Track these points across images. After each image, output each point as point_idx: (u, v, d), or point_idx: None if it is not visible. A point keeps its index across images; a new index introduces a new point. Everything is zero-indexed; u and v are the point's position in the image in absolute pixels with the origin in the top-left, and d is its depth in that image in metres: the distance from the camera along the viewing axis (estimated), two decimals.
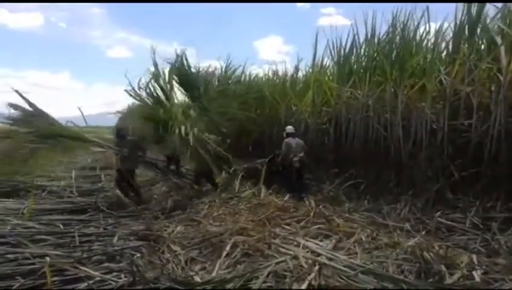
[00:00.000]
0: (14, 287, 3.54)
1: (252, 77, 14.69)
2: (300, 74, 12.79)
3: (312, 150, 10.07)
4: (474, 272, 3.67)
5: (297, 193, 7.47)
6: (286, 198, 7.12)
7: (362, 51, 9.40)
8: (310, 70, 11.67)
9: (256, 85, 14.35)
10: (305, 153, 8.03)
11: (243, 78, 14.58)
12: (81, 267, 3.85)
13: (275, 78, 13.88)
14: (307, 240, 4.71)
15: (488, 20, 6.87)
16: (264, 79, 14.51)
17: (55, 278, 3.60)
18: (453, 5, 7.20)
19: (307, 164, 8.15)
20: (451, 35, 7.46)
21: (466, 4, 6.91)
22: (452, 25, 7.32)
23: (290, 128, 8.63)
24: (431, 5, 7.78)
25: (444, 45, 7.78)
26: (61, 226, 5.44)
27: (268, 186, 8.05)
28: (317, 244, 4.61)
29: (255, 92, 13.79)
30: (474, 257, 4.06)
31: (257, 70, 37.95)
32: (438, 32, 7.77)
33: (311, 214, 5.90)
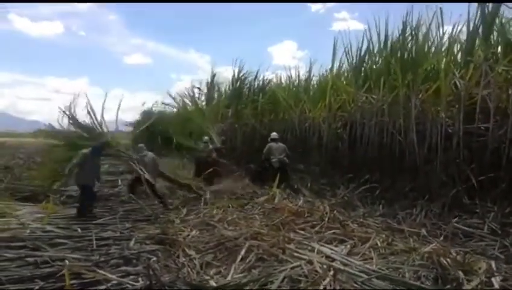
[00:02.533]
0: None
1: (266, 83, 14.77)
2: (314, 79, 12.83)
3: (326, 154, 10.12)
4: (493, 279, 3.60)
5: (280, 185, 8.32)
6: (300, 202, 7.12)
7: (377, 55, 9.36)
8: (325, 75, 11.72)
9: (269, 90, 14.44)
10: (286, 155, 9.56)
11: (256, 84, 14.68)
12: (98, 270, 3.91)
13: (288, 84, 13.93)
14: (322, 245, 4.68)
15: (503, 22, 6.78)
16: (277, 84, 14.58)
17: (74, 281, 3.66)
18: (468, 6, 7.13)
19: (287, 164, 9.50)
20: (465, 37, 7.39)
21: (480, 5, 6.81)
22: (466, 27, 7.25)
23: (274, 134, 10.06)
24: (445, 6, 7.69)
25: (458, 47, 7.70)
26: (79, 230, 5.54)
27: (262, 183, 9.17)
28: (332, 249, 4.58)
29: (268, 98, 13.90)
30: (492, 263, 3.99)
31: (271, 76, 38.15)
32: (452, 34, 7.70)
33: (326, 219, 5.87)
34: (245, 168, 11.11)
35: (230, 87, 15.18)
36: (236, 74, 14.60)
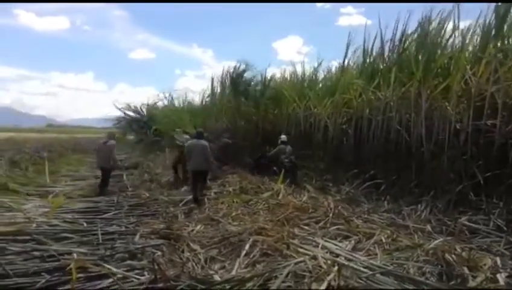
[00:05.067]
0: (39, 283, 3.64)
1: (270, 78, 14.73)
2: (320, 75, 12.79)
3: (331, 150, 10.13)
4: (498, 275, 3.58)
5: (289, 182, 8.87)
6: (304, 198, 7.12)
7: (387, 51, 9.28)
8: (332, 71, 11.70)
9: (274, 86, 14.42)
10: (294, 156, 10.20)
11: (260, 79, 14.66)
12: (104, 264, 3.93)
13: (293, 79, 13.88)
14: (326, 241, 4.68)
15: None
16: (282, 80, 14.55)
17: (80, 275, 3.68)
18: (483, 4, 7.06)
19: (295, 164, 9.95)
20: (478, 34, 7.33)
21: (495, 4, 6.75)
22: (480, 24, 7.18)
23: (283, 137, 10.52)
24: (460, 4, 7.58)
25: (471, 44, 7.62)
26: (85, 225, 5.57)
27: (259, 174, 10.05)
28: (336, 245, 4.58)
29: (273, 93, 13.89)
30: (498, 259, 3.97)
31: (276, 71, 37.93)
32: (465, 32, 7.62)
33: (330, 214, 5.87)
34: (245, 162, 11.78)
35: (227, 82, 15.27)
36: (235, 69, 14.66)
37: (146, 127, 23.51)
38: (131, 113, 26.86)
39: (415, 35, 8.41)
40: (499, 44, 6.82)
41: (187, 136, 10.72)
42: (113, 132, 10.59)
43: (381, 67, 9.39)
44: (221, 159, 10.54)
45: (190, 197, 7.69)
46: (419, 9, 8.15)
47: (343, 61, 10.94)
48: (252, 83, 14.49)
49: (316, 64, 13.00)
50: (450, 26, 7.84)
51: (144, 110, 27.80)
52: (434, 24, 7.96)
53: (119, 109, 26.41)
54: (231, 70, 14.55)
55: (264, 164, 10.72)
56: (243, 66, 14.16)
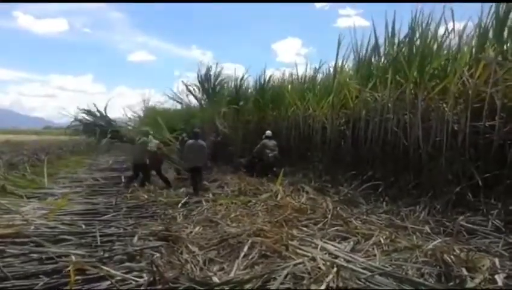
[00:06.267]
0: (38, 286, 3.63)
1: (267, 80, 14.81)
2: (319, 76, 12.81)
3: (329, 151, 10.14)
4: (496, 276, 3.58)
5: (269, 176, 9.81)
6: (303, 199, 7.13)
7: (382, 52, 9.29)
8: (330, 72, 11.72)
9: (273, 87, 14.47)
10: (278, 151, 10.77)
11: (259, 82, 14.75)
12: (102, 266, 3.93)
13: (292, 81, 13.92)
14: (325, 242, 4.68)
15: None
16: (281, 81, 14.61)
17: (78, 277, 3.68)
18: (479, 4, 7.06)
19: (279, 159, 10.70)
20: (474, 35, 7.33)
21: (495, 4, 6.75)
22: (477, 25, 7.18)
23: (268, 132, 11.15)
24: (456, 4, 7.60)
25: (467, 45, 7.62)
26: (83, 227, 5.56)
27: (251, 174, 10.48)
28: (335, 246, 4.58)
29: (271, 94, 13.94)
30: (496, 260, 3.97)
31: (275, 73, 37.95)
32: (461, 32, 7.62)
33: (329, 216, 5.87)
34: (237, 163, 12.40)
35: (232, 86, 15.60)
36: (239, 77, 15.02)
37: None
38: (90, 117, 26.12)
39: (408, 36, 8.39)
40: (495, 45, 6.83)
41: (157, 141, 10.55)
42: (147, 130, 11.31)
43: (377, 68, 9.39)
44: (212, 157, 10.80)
45: (188, 199, 7.72)
46: (415, 9, 8.10)
47: (336, 62, 10.94)
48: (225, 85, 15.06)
49: (315, 66, 13.05)
50: (444, 27, 7.86)
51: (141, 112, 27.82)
52: (426, 25, 7.96)
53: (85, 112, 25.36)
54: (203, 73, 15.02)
55: (258, 163, 10.93)
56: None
